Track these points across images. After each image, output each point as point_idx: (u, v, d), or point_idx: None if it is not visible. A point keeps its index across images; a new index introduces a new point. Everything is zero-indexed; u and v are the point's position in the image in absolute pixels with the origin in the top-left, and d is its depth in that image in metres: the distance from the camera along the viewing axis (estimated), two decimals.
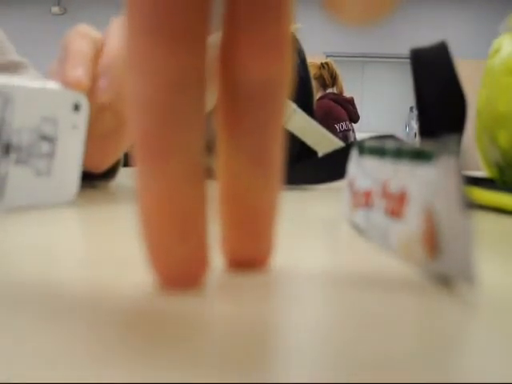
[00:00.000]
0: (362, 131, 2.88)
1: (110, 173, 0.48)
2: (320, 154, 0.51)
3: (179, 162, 0.13)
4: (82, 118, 0.34)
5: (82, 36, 0.38)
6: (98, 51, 0.37)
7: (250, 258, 0.16)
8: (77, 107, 0.33)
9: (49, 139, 0.32)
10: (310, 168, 0.50)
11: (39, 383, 0.09)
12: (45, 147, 0.31)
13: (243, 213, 0.16)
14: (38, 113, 0.31)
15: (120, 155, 0.43)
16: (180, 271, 0.14)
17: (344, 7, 0.12)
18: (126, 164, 0.53)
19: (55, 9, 5.21)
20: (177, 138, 0.13)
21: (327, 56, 4.20)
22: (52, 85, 0.33)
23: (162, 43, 0.13)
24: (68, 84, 0.33)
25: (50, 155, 0.32)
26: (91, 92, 0.35)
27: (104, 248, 0.20)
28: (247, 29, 0.14)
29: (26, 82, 0.31)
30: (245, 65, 0.15)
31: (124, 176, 0.48)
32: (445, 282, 0.16)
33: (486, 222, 0.29)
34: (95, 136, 0.40)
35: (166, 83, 0.13)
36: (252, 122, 0.15)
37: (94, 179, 0.47)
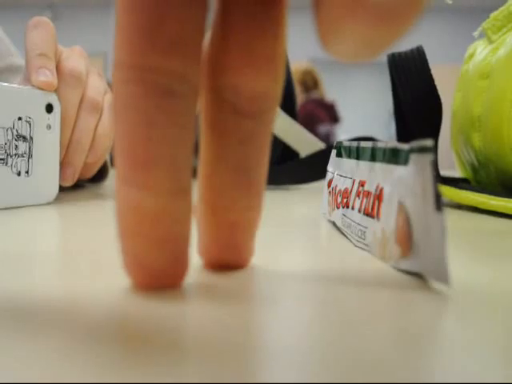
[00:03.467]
0: (344, 134, 2.90)
1: (100, 175, 0.48)
2: (302, 155, 0.52)
3: (163, 174, 0.13)
4: (55, 119, 0.34)
5: (34, 26, 0.37)
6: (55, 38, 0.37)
7: (228, 265, 0.16)
8: (50, 108, 0.34)
9: (25, 139, 0.32)
10: (292, 168, 0.50)
11: None
12: (22, 147, 0.32)
13: (223, 227, 0.15)
14: (13, 112, 0.31)
15: (104, 159, 0.43)
16: (156, 280, 0.14)
17: (342, 43, 0.11)
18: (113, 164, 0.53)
19: (46, 13, 5.14)
20: (163, 150, 0.13)
21: (311, 61, 4.22)
22: (26, 86, 0.33)
23: (154, 51, 0.12)
24: (37, 86, 0.34)
25: (28, 155, 0.32)
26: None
27: (80, 250, 0.20)
28: (240, 41, 0.14)
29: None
30: (235, 77, 0.14)
31: (112, 176, 0.48)
32: (419, 279, 0.16)
33: (459, 220, 0.30)
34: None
35: (157, 92, 0.13)
36: (238, 136, 0.14)
37: (84, 182, 0.47)
